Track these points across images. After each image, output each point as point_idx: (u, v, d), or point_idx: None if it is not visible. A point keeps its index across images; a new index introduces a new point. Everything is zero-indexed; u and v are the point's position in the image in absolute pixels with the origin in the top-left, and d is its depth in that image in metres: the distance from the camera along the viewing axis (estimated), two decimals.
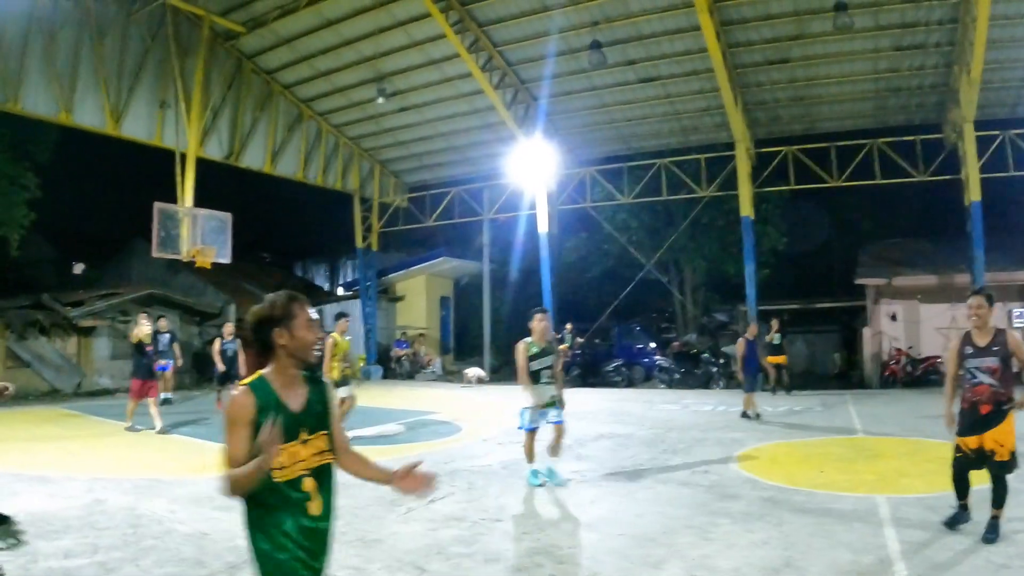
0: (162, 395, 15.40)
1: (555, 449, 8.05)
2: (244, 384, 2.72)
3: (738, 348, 13.60)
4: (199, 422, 13.49)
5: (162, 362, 15.41)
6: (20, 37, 16.09)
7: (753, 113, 20.68)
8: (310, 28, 19.69)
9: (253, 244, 34.85)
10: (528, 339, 8.06)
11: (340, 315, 12.08)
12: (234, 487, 2.56)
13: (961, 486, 5.77)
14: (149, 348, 12.43)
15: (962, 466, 5.73)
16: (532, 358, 7.95)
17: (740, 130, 19.43)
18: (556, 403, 8.00)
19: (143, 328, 12.46)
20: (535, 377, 7.95)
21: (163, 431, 11.92)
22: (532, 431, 7.96)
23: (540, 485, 7.81)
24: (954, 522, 5.73)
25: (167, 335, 16.29)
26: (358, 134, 24.80)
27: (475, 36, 19.04)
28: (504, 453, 9.88)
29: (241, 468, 2.54)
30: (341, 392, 10.78)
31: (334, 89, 22.40)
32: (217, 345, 15.03)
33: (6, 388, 4.85)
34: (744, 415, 13.25)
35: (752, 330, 13.92)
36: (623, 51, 18.92)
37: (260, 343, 2.74)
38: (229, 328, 15.35)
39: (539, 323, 8.09)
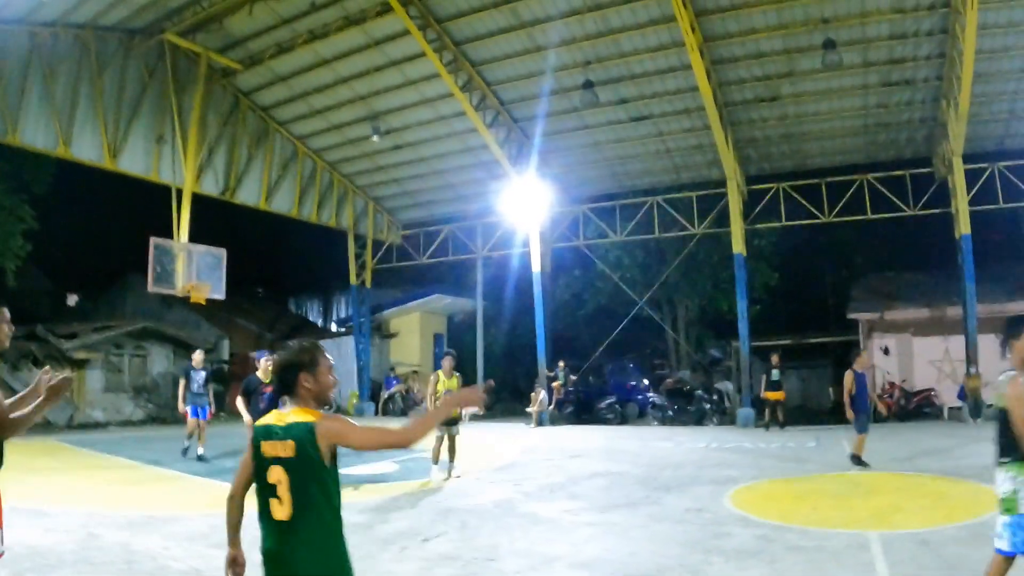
0: (199, 449, 13.05)
1: None
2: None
3: (846, 382, 11.30)
4: (205, 460, 12.92)
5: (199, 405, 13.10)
6: (20, 70, 16.27)
7: (744, 150, 20.90)
8: (306, 66, 19.95)
9: (247, 279, 34.82)
10: (1013, 372, 4.03)
11: (446, 353, 11.77)
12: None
13: None
14: (267, 390, 9.66)
15: None
16: None
17: (731, 167, 19.58)
18: None
19: (262, 366, 10.34)
20: None
21: None
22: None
23: None
24: None
25: (202, 372, 13.45)
26: (352, 171, 24.97)
27: (468, 75, 19.30)
28: (497, 492, 9.82)
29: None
30: (453, 431, 10.97)
31: (329, 126, 22.62)
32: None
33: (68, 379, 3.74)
34: (858, 461, 11.04)
35: (862, 361, 11.61)
36: (615, 90, 19.19)
37: (285, 385, 2.98)
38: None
39: None
